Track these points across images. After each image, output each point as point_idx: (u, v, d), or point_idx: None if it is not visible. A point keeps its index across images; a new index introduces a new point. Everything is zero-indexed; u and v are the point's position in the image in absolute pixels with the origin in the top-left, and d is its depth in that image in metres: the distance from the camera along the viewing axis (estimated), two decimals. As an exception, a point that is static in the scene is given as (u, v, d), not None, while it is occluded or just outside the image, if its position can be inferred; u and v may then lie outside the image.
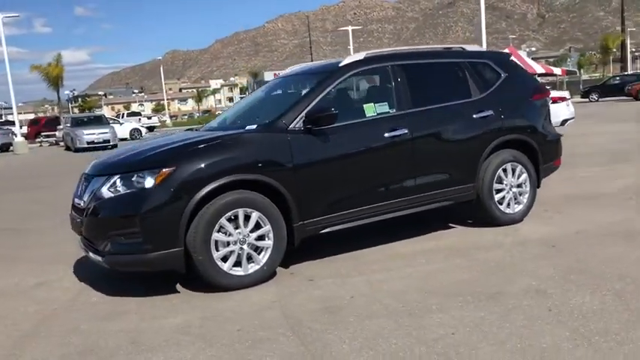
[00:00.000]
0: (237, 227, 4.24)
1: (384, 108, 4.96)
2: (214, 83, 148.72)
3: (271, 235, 4.35)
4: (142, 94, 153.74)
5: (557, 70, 43.16)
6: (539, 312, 3.43)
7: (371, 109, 4.91)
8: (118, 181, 4.19)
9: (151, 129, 42.27)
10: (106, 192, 4.22)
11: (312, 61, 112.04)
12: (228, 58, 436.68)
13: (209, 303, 4.06)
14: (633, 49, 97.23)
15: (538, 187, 5.76)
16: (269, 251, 4.36)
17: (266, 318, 3.68)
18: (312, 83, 4.92)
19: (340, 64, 4.94)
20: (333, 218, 4.66)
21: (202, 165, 4.16)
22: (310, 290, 4.16)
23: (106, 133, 25.55)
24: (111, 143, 25.37)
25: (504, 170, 5.47)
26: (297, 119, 4.53)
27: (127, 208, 4.08)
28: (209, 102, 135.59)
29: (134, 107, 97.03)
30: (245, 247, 4.28)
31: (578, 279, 3.95)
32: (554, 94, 12.79)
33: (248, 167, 4.28)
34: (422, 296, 3.85)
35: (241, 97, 41.16)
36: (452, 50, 5.75)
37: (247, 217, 4.27)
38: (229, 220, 4.21)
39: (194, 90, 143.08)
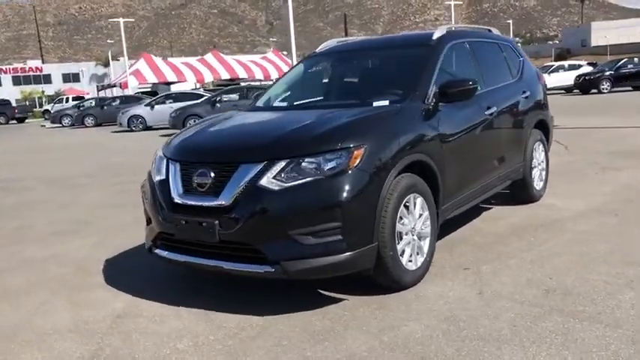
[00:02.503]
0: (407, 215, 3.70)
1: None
2: None
3: (428, 222, 3.89)
4: None
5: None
6: None
7: (467, 87, 4.69)
8: (289, 166, 3.30)
9: None
10: (270, 182, 3.29)
11: (41, 55, 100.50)
12: None
13: (409, 305, 3.46)
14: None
15: (543, 164, 6.17)
16: (428, 240, 3.89)
17: (510, 312, 3.29)
18: (416, 57, 4.51)
19: (434, 37, 4.62)
20: (458, 201, 4.38)
21: (389, 144, 3.54)
22: (490, 279, 3.81)
23: None
24: None
25: (534, 149, 5.75)
26: (430, 94, 4.11)
27: (323, 199, 3.23)
28: None
29: None
30: (415, 237, 3.76)
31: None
32: None
33: (415, 147, 3.76)
34: (614, 267, 3.84)
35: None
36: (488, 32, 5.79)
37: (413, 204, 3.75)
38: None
39: None
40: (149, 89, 41.29)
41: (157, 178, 3.81)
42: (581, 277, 3.71)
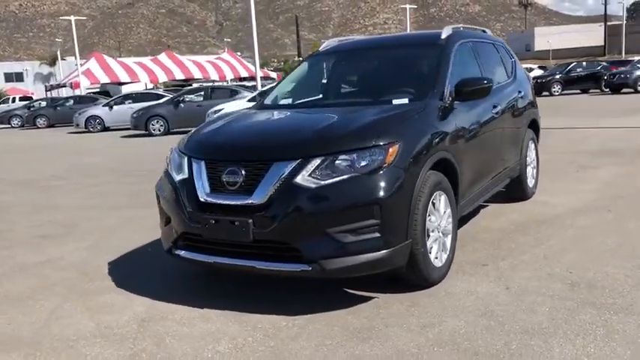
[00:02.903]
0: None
1: (480, 85, 4.86)
2: None
3: (450, 219, 3.92)
4: None
5: (272, 75, 46.58)
6: None
7: (474, 86, 4.76)
8: (324, 164, 3.26)
9: None
10: (306, 180, 3.24)
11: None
12: None
13: (442, 302, 3.47)
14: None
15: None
16: (450, 237, 3.92)
17: (543, 306, 3.35)
18: (428, 56, 4.54)
19: (442, 37, 4.66)
20: (472, 198, 4.44)
21: (420, 141, 3.56)
22: (510, 274, 3.87)
23: None
24: None
25: (528, 147, 5.88)
26: (446, 92, 4.15)
27: (362, 196, 3.21)
28: None
29: None
30: (441, 234, 3.78)
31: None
32: None
33: (440, 145, 3.78)
34: (627, 261, 3.95)
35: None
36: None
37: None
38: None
39: None
40: (98, 89, 40.13)
41: (179, 177, 3.69)
42: (599, 271, 3.81)
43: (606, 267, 3.87)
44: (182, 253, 3.68)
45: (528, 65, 37.85)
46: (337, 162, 3.28)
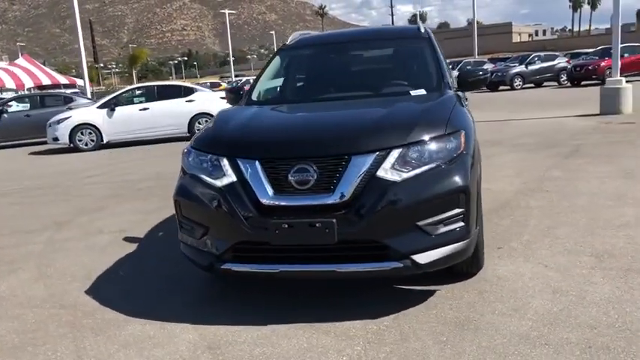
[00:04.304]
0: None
1: (446, 79, 5.03)
2: None
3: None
4: None
5: (80, 82, 42.98)
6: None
7: (448, 79, 4.91)
8: (403, 155, 3.11)
9: None
10: (388, 172, 3.06)
11: None
12: None
13: (503, 286, 3.53)
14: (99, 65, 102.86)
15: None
16: (476, 224, 4.01)
17: (596, 276, 3.58)
18: (420, 48, 4.57)
19: (422, 30, 4.74)
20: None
21: (472, 129, 3.58)
22: (532, 254, 4.07)
23: None
24: None
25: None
26: (452, 83, 4.25)
27: (448, 186, 3.10)
28: None
29: None
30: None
31: None
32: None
33: (475, 132, 3.84)
34: (616, 230, 4.38)
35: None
36: None
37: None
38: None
39: None
40: None
41: (222, 183, 3.21)
42: (604, 242, 4.17)
43: (604, 237, 4.25)
44: (234, 266, 3.23)
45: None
46: (415, 152, 3.15)
